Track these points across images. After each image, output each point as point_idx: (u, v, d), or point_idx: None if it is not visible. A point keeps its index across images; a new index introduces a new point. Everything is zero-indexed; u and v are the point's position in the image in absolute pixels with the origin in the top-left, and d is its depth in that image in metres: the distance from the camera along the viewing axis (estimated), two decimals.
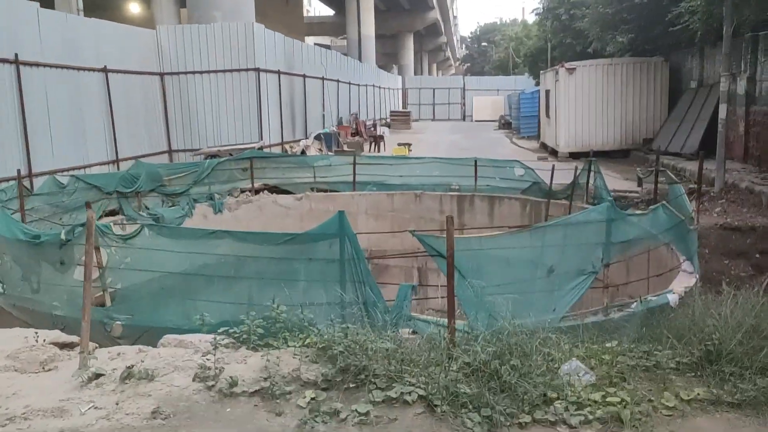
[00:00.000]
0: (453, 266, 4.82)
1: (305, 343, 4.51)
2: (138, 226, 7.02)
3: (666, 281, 7.92)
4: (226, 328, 4.84)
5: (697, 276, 7.60)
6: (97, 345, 5.09)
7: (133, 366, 3.98)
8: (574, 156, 21.46)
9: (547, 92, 24.84)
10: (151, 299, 6.38)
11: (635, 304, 6.60)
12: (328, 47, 40.13)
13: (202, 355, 4.33)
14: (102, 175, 12.88)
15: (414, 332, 5.97)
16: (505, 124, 42.19)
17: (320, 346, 4.38)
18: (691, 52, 20.31)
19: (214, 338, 4.68)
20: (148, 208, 12.74)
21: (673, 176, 9.98)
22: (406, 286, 5.95)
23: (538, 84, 35.30)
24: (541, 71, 28.62)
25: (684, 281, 7.42)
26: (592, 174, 12.75)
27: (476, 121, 52.26)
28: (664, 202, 7.22)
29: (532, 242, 6.09)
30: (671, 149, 18.70)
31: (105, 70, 14.99)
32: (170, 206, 13.17)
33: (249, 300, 6.11)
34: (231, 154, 15.86)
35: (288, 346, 4.53)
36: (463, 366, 4.26)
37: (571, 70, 21.45)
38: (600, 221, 6.23)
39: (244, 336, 4.56)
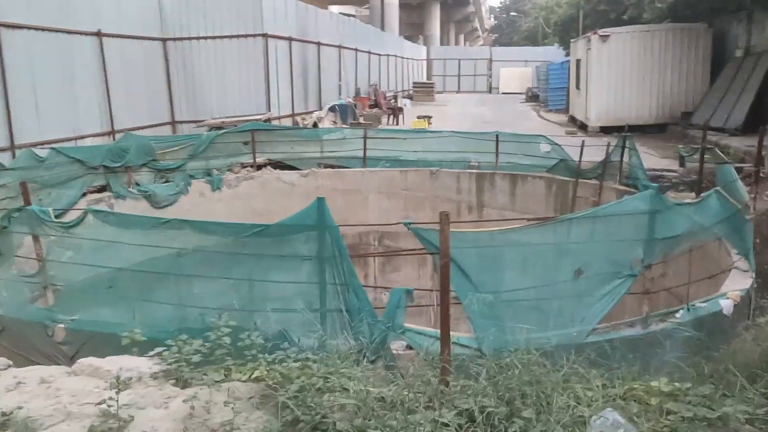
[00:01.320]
0: (448, 279, 3.71)
1: (253, 376, 3.45)
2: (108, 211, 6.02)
3: (715, 281, 6.71)
4: (162, 349, 3.82)
5: (753, 275, 6.39)
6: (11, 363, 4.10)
7: (11, 413, 2.95)
8: (605, 131, 20.00)
9: (578, 62, 23.29)
10: (98, 299, 5.37)
11: (681, 312, 5.43)
12: (353, 17, 38.67)
13: (117, 392, 3.29)
14: (86, 147, 11.93)
15: (409, 347, 4.89)
16: (532, 97, 40.50)
17: (270, 383, 3.32)
18: (737, 17, 18.62)
19: (151, 363, 3.65)
20: (139, 185, 11.78)
21: (722, 155, 8.69)
22: (398, 290, 4.85)
23: (567, 55, 33.56)
24: (572, 40, 26.96)
25: (738, 282, 6.21)
26: (626, 151, 11.49)
27: (503, 93, 50.49)
28: (717, 188, 5.97)
29: (556, 238, 4.94)
30: (713, 124, 17.17)
31: (99, 34, 13.95)
32: (164, 182, 12.19)
33: (213, 302, 5.08)
34: (236, 126, 14.81)
35: (231, 379, 3.47)
36: (459, 414, 3.17)
37: (604, 38, 19.90)
38: (641, 212, 5.05)
39: (177, 364, 3.51)
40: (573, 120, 24.44)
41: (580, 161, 12.05)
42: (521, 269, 4.95)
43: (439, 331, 4.95)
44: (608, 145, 11.75)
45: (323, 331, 4.91)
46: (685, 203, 5.51)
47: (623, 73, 19.84)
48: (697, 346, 5.49)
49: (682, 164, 10.90)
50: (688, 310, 5.42)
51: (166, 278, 5.09)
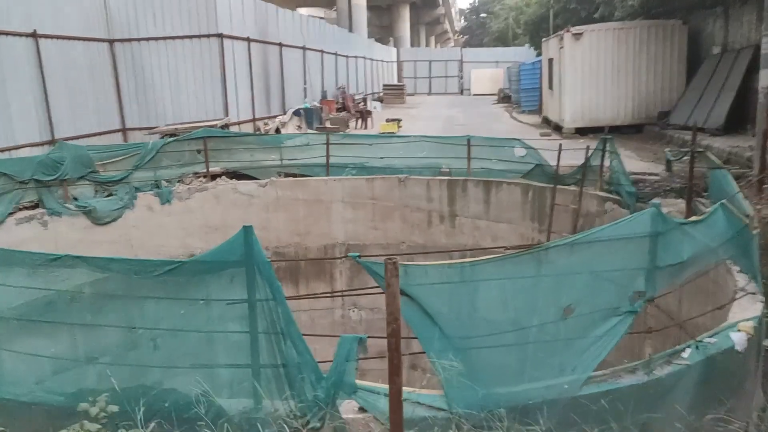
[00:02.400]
0: (399, 341, 2.78)
1: None
2: None
3: (720, 306, 5.88)
4: None
5: (762, 298, 5.58)
6: None
7: None
8: (580, 132, 19.30)
9: (550, 61, 22.59)
10: None
11: (688, 351, 4.57)
12: (322, 19, 37.68)
13: None
14: (14, 159, 10.77)
15: (362, 409, 3.94)
16: (504, 98, 39.87)
17: None
18: (713, 13, 18.05)
19: None
20: (77, 199, 10.68)
21: (715, 159, 7.89)
22: (348, 339, 3.90)
23: (539, 55, 33.00)
24: (544, 39, 26.29)
25: (747, 308, 5.38)
26: (606, 155, 10.70)
27: (474, 95, 49.88)
28: (724, 201, 5.13)
29: (540, 269, 4.03)
30: (692, 124, 16.52)
31: (35, 35, 12.80)
32: (106, 196, 11.10)
33: (115, 358, 4.09)
34: (190, 133, 13.74)
35: None
36: None
37: (577, 36, 19.19)
38: (641, 236, 4.17)
39: None
40: (547, 121, 23.76)
41: (557, 166, 11.24)
42: (499, 309, 4.04)
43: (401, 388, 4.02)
44: (587, 148, 10.95)
45: (256, 392, 3.95)
46: (691, 222, 4.63)
47: (598, 73, 19.16)
48: (708, 392, 4.65)
49: (668, 168, 10.13)
50: (697, 347, 4.56)
51: (54, 327, 4.07)
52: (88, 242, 10.72)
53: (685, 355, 4.54)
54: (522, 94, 31.90)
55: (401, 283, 3.85)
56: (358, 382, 3.94)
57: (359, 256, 3.85)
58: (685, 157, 8.92)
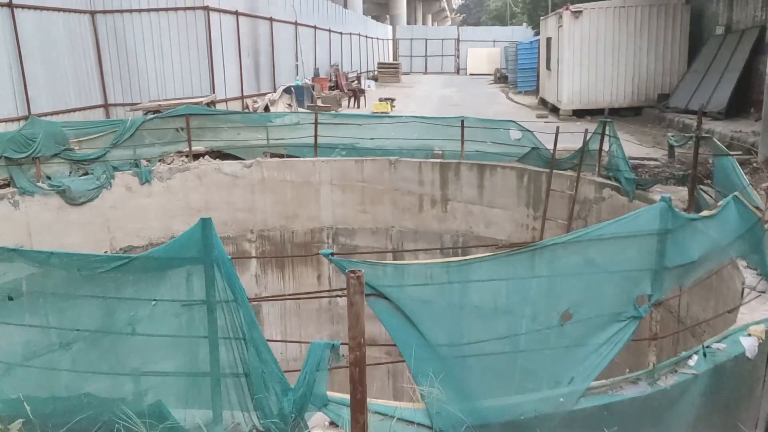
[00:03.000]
0: (363, 364, 2.37)
1: None
2: None
3: (727, 307, 5.50)
4: None
5: None
6: None
7: None
8: (578, 114, 18.84)
9: (548, 40, 22.01)
10: None
11: (695, 358, 4.17)
12: None
13: None
14: None
15: (333, 424, 3.53)
16: (501, 78, 39.23)
17: None
18: None
19: None
20: (50, 178, 10.18)
21: (721, 145, 7.45)
22: (319, 345, 3.47)
23: (537, 34, 32.34)
24: (542, 17, 25.67)
25: (758, 309, 4.99)
26: (606, 139, 10.27)
27: (471, 74, 49.13)
28: (736, 193, 4.70)
29: (535, 269, 3.60)
30: (692, 107, 16.07)
31: (10, 5, 12.20)
32: (81, 175, 10.60)
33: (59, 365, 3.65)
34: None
35: None
36: None
37: (577, 14, 18.61)
38: (649, 233, 3.74)
39: None
40: (544, 102, 23.24)
41: (554, 150, 10.79)
42: (490, 314, 3.61)
43: (379, 401, 3.61)
44: (585, 132, 10.50)
45: (215, 403, 3.54)
46: (702, 217, 4.20)
47: (597, 53, 18.61)
48: (716, 403, 4.26)
49: (671, 154, 9.68)
50: (704, 355, 4.16)
51: None
52: (62, 223, 10.25)
53: (691, 363, 4.14)
54: (519, 75, 31.32)
55: (378, 284, 3.42)
56: (330, 394, 3.53)
57: (332, 254, 3.40)
58: (688, 143, 8.47)
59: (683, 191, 8.78)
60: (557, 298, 3.63)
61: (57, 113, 13.46)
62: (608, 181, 10.00)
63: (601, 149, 10.24)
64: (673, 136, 10.30)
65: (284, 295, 12.00)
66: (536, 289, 3.61)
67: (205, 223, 3.34)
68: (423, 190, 12.01)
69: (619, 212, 9.66)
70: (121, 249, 11.09)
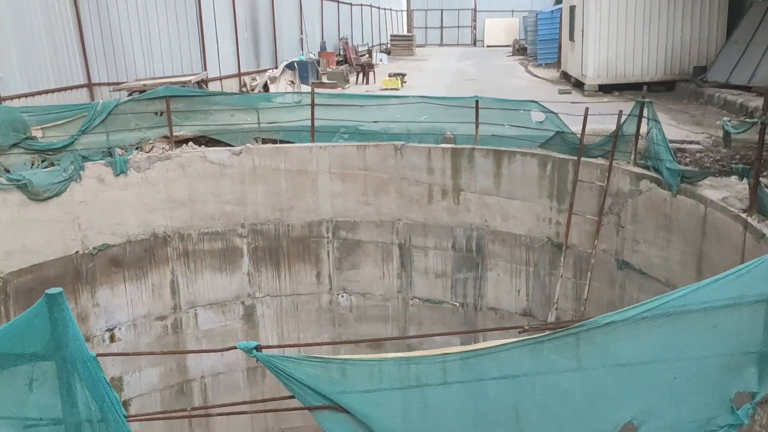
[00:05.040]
0: None
1: None
2: None
3: None
4: None
5: None
6: None
7: None
8: (604, 89, 17.29)
9: (572, 9, 20.33)
10: None
11: None
12: None
13: None
14: None
15: None
16: (519, 50, 37.39)
17: None
18: None
19: None
20: (9, 171, 9.01)
21: None
22: None
23: (558, 3, 30.53)
24: None
25: None
26: (643, 122, 8.88)
27: (488, 46, 47.26)
28: None
29: (581, 361, 2.30)
30: (734, 81, 14.51)
31: None
32: (45, 167, 9.42)
33: None
34: None
35: None
36: None
37: None
38: (756, 300, 2.42)
39: None
40: (566, 76, 21.63)
41: (583, 134, 9.40)
42: (508, 426, 2.33)
43: None
44: (620, 113, 9.10)
45: None
46: None
47: (626, 22, 16.97)
48: None
49: (727, 143, 8.25)
50: None
51: None
52: (24, 221, 9.09)
53: None
54: (539, 46, 29.59)
55: (329, 391, 2.16)
56: None
57: (258, 347, 2.13)
58: (749, 129, 7.06)
59: (739, 185, 7.40)
60: (613, 405, 2.34)
61: (32, 94, 12.31)
62: (646, 172, 8.62)
63: (638, 134, 8.84)
64: (728, 120, 8.85)
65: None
66: (581, 390, 2.32)
67: (53, 301, 2.08)
68: (433, 179, 10.69)
69: (660, 208, 8.30)
70: (95, 248, 9.94)
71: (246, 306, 11.41)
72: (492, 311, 10.79)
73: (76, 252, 9.78)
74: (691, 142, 10.61)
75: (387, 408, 2.22)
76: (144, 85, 12.96)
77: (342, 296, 11.57)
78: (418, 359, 2.28)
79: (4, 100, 11.59)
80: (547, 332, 2.28)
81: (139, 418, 2.53)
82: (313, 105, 10.88)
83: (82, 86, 13.96)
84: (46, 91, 12.80)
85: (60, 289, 2.15)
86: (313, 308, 11.60)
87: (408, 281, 11.30)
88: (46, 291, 2.16)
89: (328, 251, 11.35)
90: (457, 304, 11.07)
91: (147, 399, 10.86)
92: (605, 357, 2.35)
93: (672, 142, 9.87)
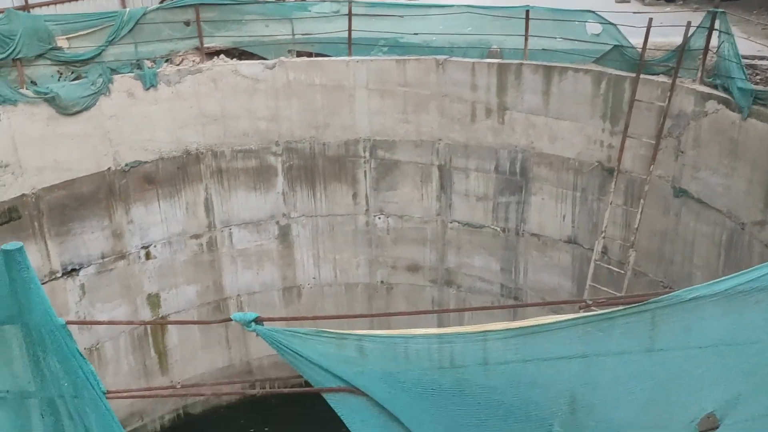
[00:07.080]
0: None
1: None
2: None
3: None
4: None
5: None
6: None
7: None
8: None
9: None
10: None
11: None
12: None
13: None
14: None
15: None
16: None
17: None
18: None
19: None
20: (35, 84, 8.72)
21: None
22: None
23: None
24: None
25: None
26: (714, 35, 8.04)
27: None
28: None
29: (653, 343, 1.87)
30: None
31: None
32: (73, 79, 9.09)
33: None
34: None
35: None
36: None
37: None
38: None
39: None
40: None
41: (644, 48, 8.57)
42: (567, 419, 1.95)
43: None
44: (687, 25, 8.22)
45: None
46: None
47: None
48: None
49: None
50: None
51: None
52: (54, 136, 8.88)
53: None
54: None
55: (344, 372, 1.79)
56: None
57: (257, 320, 1.76)
58: None
59: None
60: (692, 394, 1.93)
61: (60, 1, 11.82)
62: (714, 91, 7.86)
63: (707, 49, 8.00)
64: None
65: None
66: (654, 376, 1.90)
67: (13, 258, 1.73)
68: (476, 96, 10.02)
69: (726, 132, 7.59)
70: (127, 165, 9.73)
71: (281, 226, 11.19)
72: (534, 237, 10.34)
73: (109, 168, 9.60)
74: (762, 58, 9.65)
75: (414, 393, 1.84)
76: None
77: (379, 218, 11.24)
78: (452, 337, 1.88)
79: (32, 8, 11.16)
80: (614, 308, 1.84)
81: (120, 395, 2.24)
82: (350, 15, 10.18)
83: None
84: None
85: (20, 244, 1.80)
86: (350, 229, 11.33)
87: (447, 204, 10.86)
88: (2, 246, 1.80)
89: (365, 171, 10.93)
90: (498, 229, 10.63)
91: (185, 316, 10.92)
92: (687, 338, 1.92)
93: (743, 57, 8.97)
